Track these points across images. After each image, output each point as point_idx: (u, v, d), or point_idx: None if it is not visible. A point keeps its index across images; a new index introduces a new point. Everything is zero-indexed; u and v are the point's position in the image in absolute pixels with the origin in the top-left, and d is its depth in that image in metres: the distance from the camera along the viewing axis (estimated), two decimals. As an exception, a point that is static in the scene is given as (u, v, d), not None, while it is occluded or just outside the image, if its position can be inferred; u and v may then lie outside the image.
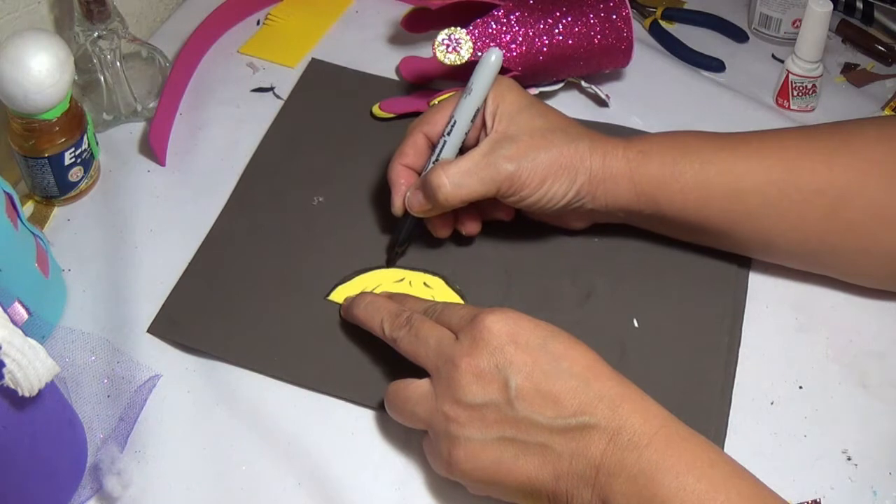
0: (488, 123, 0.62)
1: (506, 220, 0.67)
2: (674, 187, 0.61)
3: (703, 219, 0.62)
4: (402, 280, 0.66)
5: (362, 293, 0.62)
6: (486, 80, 0.61)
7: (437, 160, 0.63)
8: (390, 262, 0.67)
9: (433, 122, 0.64)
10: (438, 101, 0.74)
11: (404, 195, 0.64)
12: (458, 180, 0.60)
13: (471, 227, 0.66)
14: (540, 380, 0.50)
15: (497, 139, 0.61)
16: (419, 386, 0.54)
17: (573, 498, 0.49)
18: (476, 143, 0.63)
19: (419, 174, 0.64)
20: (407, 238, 0.66)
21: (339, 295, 0.65)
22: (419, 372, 0.54)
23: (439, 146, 0.63)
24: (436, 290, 0.66)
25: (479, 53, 0.73)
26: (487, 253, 0.67)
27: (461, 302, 0.65)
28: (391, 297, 0.61)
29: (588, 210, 0.63)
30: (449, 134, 0.62)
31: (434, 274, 0.66)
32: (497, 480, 0.51)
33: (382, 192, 0.72)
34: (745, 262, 0.67)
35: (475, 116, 0.62)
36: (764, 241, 0.63)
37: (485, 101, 0.62)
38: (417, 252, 0.68)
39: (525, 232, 0.68)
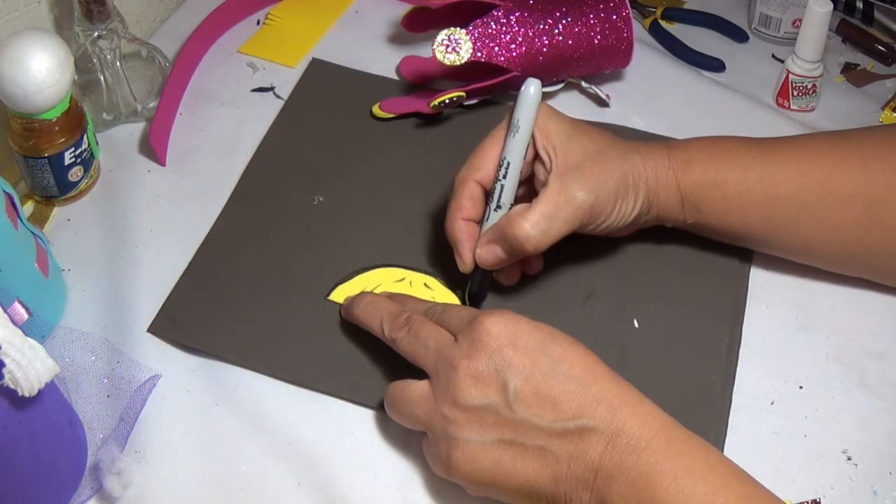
0: (544, 158, 0.60)
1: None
2: (716, 194, 0.61)
3: (744, 225, 0.62)
4: (402, 280, 0.66)
5: (362, 293, 0.62)
6: (531, 114, 0.59)
7: (498, 207, 0.60)
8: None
9: (483, 168, 0.61)
10: (437, 103, 0.74)
11: (473, 250, 0.61)
12: (545, 226, 0.58)
13: (537, 266, 0.65)
14: (538, 383, 0.50)
15: (562, 173, 0.59)
16: (418, 387, 0.54)
17: (572, 500, 0.49)
18: (530, 177, 0.62)
19: (478, 223, 0.62)
20: (481, 291, 0.63)
21: (340, 295, 0.65)
22: (419, 372, 0.54)
23: (497, 192, 0.60)
24: (436, 291, 0.66)
25: (479, 54, 0.73)
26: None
27: (460, 304, 0.65)
28: (391, 297, 0.61)
29: (642, 221, 0.63)
30: (505, 177, 0.60)
31: (434, 275, 0.66)
32: (496, 482, 0.51)
33: (383, 192, 0.72)
34: (746, 262, 0.67)
35: (526, 153, 0.60)
36: (804, 246, 0.63)
37: (532, 136, 0.60)
38: (419, 253, 0.68)
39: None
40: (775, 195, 0.61)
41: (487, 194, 0.62)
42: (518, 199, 0.61)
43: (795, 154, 0.62)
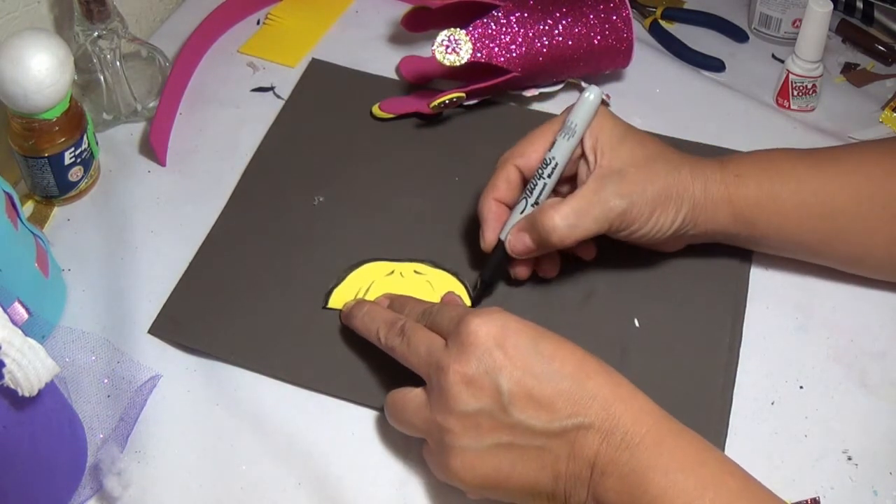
0: (590, 158, 0.60)
1: (587, 260, 0.66)
2: (771, 209, 0.61)
3: (798, 238, 0.62)
4: (391, 273, 0.66)
5: (360, 301, 0.62)
6: (587, 120, 0.60)
7: (535, 203, 0.61)
8: (477, 301, 0.65)
9: (527, 156, 0.62)
10: (437, 104, 0.74)
11: (498, 230, 0.63)
12: (573, 221, 0.58)
13: (549, 270, 0.65)
14: (532, 385, 0.49)
15: (603, 174, 0.59)
16: (415, 396, 0.53)
17: (570, 497, 0.49)
18: (572, 176, 0.62)
19: (509, 207, 0.63)
20: (493, 278, 0.64)
21: (337, 300, 0.65)
22: (419, 378, 0.54)
23: (538, 188, 0.61)
24: (428, 274, 0.66)
25: (479, 55, 0.73)
26: (488, 254, 0.67)
27: (456, 280, 0.66)
28: (393, 301, 0.61)
29: (689, 235, 0.63)
30: (549, 176, 0.61)
31: (422, 261, 0.67)
32: (497, 485, 0.51)
33: (383, 192, 0.72)
34: (746, 262, 0.67)
35: (571, 154, 0.61)
36: (857, 257, 0.63)
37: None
38: (417, 248, 0.68)
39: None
40: (830, 207, 0.61)
41: (525, 181, 0.63)
42: (560, 196, 0.61)
43: (848, 166, 0.62)
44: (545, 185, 0.61)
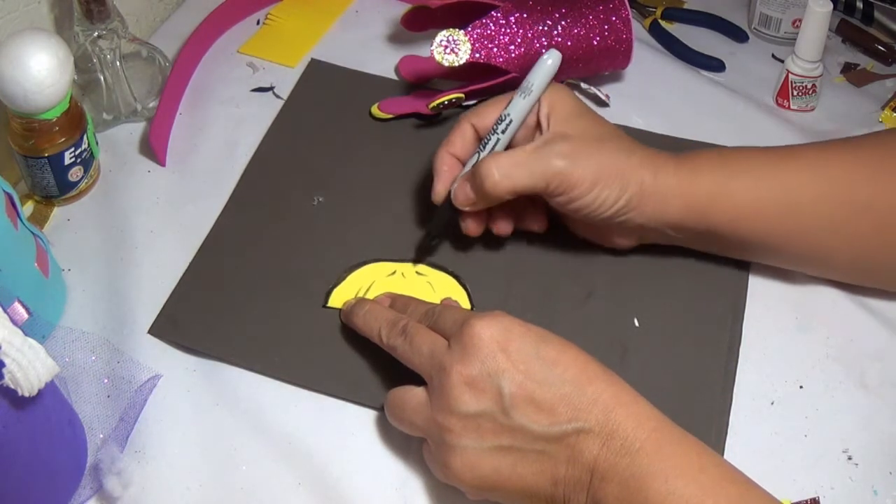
0: (543, 124, 0.61)
1: (538, 232, 0.66)
2: (726, 203, 0.60)
3: (756, 235, 0.61)
4: (393, 273, 0.66)
5: (361, 300, 0.62)
6: (544, 80, 0.61)
7: (486, 155, 0.62)
8: (421, 257, 0.66)
9: (483, 115, 0.63)
10: (435, 104, 0.74)
11: (448, 183, 0.64)
12: (508, 171, 0.59)
13: (502, 227, 0.65)
14: (534, 388, 0.50)
15: (551, 137, 0.60)
16: (416, 395, 0.53)
17: (570, 501, 0.49)
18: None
19: (463, 164, 0.64)
20: (442, 230, 0.65)
21: (337, 299, 0.65)
22: (420, 377, 0.54)
23: (491, 142, 0.62)
24: (430, 276, 0.66)
25: (478, 55, 0.73)
26: (488, 253, 0.67)
27: (457, 283, 0.66)
28: (394, 301, 0.61)
29: (636, 225, 0.62)
30: (503, 131, 0.62)
31: (422, 262, 0.67)
32: (496, 487, 0.51)
33: (382, 192, 0.72)
34: (745, 262, 0.67)
35: (527, 117, 0.62)
36: (820, 258, 0.63)
37: (538, 103, 0.62)
38: (414, 247, 0.68)
39: (525, 232, 0.68)
40: (789, 204, 0.60)
41: (479, 139, 0.64)
42: None
43: (807, 163, 0.61)
44: (497, 140, 0.62)
